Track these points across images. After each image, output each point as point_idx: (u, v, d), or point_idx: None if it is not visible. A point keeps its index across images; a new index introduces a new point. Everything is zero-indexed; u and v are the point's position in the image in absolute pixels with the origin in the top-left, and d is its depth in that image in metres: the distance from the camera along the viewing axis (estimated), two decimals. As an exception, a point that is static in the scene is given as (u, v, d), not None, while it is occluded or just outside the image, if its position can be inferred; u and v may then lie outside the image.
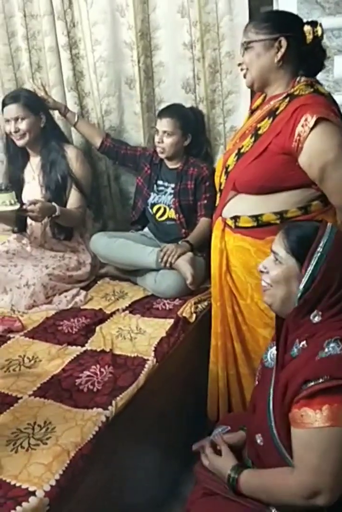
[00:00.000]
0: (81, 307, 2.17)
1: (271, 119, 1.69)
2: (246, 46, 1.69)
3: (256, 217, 1.71)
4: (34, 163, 2.47)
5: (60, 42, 2.52)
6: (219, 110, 2.40)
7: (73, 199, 2.41)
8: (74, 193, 2.41)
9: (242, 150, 1.74)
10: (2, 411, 1.45)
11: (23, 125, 2.33)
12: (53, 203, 2.27)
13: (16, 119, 2.32)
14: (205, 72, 2.31)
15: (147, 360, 1.71)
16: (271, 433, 1.17)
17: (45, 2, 2.49)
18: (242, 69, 1.75)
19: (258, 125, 1.73)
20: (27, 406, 1.48)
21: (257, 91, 1.85)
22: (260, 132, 1.71)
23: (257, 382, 1.33)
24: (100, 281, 2.43)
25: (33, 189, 2.43)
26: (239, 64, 1.77)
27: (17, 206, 2.13)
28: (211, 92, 2.36)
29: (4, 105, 2.35)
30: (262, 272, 1.29)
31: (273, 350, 1.27)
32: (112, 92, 2.55)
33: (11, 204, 2.11)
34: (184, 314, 2.02)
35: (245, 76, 1.75)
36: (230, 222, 1.78)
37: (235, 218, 1.75)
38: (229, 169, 1.78)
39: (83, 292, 2.28)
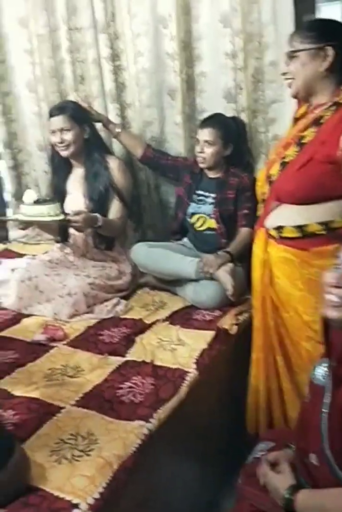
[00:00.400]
0: (122, 317, 2.18)
1: (316, 128, 1.66)
2: (291, 55, 1.66)
3: (300, 228, 1.67)
4: (77, 174, 2.50)
5: (102, 54, 2.56)
6: (261, 120, 2.37)
7: (114, 209, 2.43)
8: (115, 203, 2.43)
9: (285, 160, 1.72)
10: (45, 420, 1.46)
11: (68, 136, 2.37)
12: (96, 214, 2.29)
13: (61, 130, 2.36)
14: (247, 81, 2.29)
15: (189, 372, 1.69)
16: (325, 452, 1.13)
17: (89, 15, 2.55)
18: (286, 79, 1.73)
19: (302, 134, 1.70)
20: (70, 416, 1.48)
21: (301, 100, 1.81)
22: (304, 141, 1.68)
23: (307, 400, 1.28)
24: (140, 290, 2.44)
25: (76, 200, 2.46)
26: (283, 74, 1.74)
27: (61, 217, 2.18)
28: (253, 102, 2.34)
29: (50, 116, 2.40)
30: (333, 286, 1.19)
31: (323, 367, 1.23)
32: (153, 103, 2.57)
33: (56, 215, 2.16)
34: (224, 326, 2.00)
35: (289, 86, 1.73)
36: (273, 233, 1.75)
37: (279, 228, 1.73)
38: (272, 179, 1.75)
39: (123, 302, 2.29)
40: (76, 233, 2.42)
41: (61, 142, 2.38)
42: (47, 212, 2.14)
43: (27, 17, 2.74)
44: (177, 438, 1.58)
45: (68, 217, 2.20)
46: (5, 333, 2.05)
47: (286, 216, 1.71)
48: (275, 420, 1.89)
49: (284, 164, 1.72)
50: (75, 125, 2.37)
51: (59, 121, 2.36)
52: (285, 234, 1.71)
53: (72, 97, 2.69)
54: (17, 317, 2.20)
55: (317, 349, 1.47)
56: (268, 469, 1.28)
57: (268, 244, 1.78)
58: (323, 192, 1.63)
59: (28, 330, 2.07)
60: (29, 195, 2.22)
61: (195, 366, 1.73)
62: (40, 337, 1.97)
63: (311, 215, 1.66)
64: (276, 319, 1.79)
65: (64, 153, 2.42)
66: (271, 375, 1.85)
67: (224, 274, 2.14)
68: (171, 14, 2.33)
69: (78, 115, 2.39)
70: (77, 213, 2.20)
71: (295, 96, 1.76)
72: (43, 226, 2.43)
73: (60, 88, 2.82)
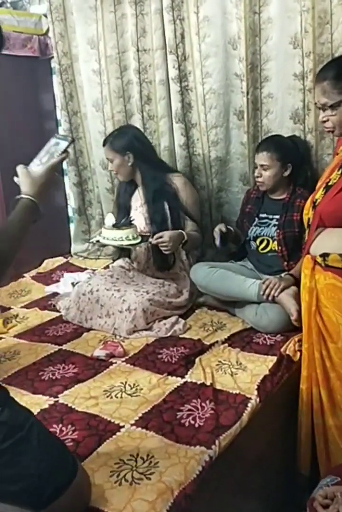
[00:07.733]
0: (180, 336, 2.16)
1: None
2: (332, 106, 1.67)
3: None
4: (141, 191, 2.55)
5: (170, 75, 2.58)
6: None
7: (189, 224, 2.51)
8: (187, 218, 2.50)
9: (329, 183, 1.72)
10: (105, 438, 1.46)
11: (113, 166, 2.50)
12: (180, 230, 2.38)
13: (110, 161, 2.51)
14: (316, 103, 2.24)
15: (250, 398, 1.65)
16: None
17: (158, 37, 2.58)
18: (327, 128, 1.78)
19: None
20: (130, 436, 1.48)
21: None
22: None
23: None
24: (198, 310, 2.42)
25: (138, 216, 2.50)
26: (323, 121, 1.77)
27: (139, 240, 2.30)
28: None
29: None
30: None
31: None
32: (220, 123, 2.56)
33: (133, 238, 2.27)
34: (287, 352, 1.94)
35: (332, 131, 1.78)
36: (319, 260, 1.71)
37: (324, 255, 1.68)
38: (317, 203, 1.74)
39: (182, 321, 2.27)
40: (138, 249, 2.46)
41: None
42: (126, 236, 2.25)
43: (97, 38, 2.81)
44: (236, 466, 1.54)
45: (151, 241, 2.30)
46: (67, 346, 2.09)
47: (331, 242, 1.69)
48: (318, 459, 1.80)
49: (327, 188, 1.72)
50: (116, 155, 2.50)
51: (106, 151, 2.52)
52: (330, 262, 1.68)
53: (137, 116, 2.75)
54: (78, 331, 2.24)
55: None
56: (318, 506, 1.24)
57: (315, 272, 1.74)
58: None
59: (89, 345, 2.11)
60: (109, 219, 2.34)
61: (256, 392, 1.68)
62: (100, 353, 1.98)
63: None
64: (322, 350, 1.73)
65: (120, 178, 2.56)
66: (316, 409, 1.78)
67: (288, 298, 2.07)
68: (240, 36, 2.32)
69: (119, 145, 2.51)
70: (160, 236, 2.28)
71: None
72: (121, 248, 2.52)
73: (126, 108, 2.87)
